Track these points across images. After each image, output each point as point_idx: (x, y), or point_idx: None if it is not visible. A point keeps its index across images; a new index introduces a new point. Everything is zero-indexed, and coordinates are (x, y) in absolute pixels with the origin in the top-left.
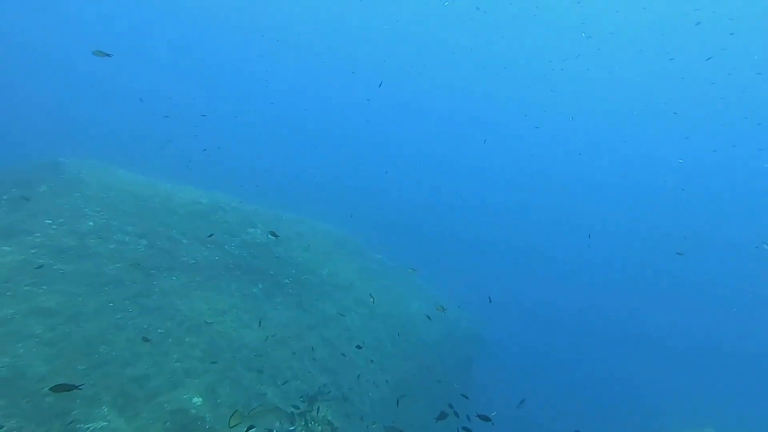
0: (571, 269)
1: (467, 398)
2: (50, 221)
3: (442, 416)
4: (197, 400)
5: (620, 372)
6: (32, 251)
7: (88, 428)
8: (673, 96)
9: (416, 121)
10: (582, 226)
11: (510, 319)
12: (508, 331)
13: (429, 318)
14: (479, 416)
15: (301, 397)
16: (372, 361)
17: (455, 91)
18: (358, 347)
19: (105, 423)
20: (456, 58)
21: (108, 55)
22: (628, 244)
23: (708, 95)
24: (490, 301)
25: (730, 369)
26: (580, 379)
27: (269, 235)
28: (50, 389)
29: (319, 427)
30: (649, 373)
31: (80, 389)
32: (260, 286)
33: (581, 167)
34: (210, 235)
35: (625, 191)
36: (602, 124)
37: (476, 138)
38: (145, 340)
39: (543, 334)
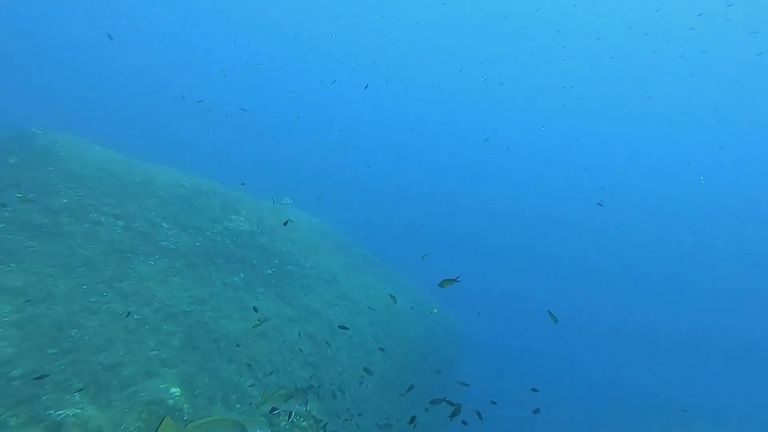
0: (560, 268)
1: (467, 386)
2: (20, 195)
3: (455, 413)
4: (175, 390)
5: (611, 371)
6: (0, 226)
7: (60, 415)
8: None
9: (411, 119)
10: (572, 226)
11: (494, 317)
12: (492, 329)
13: (433, 310)
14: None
15: None
16: (379, 354)
17: (451, 90)
18: (342, 327)
19: (77, 410)
20: (444, 57)
21: None
22: (618, 243)
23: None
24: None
25: (720, 362)
26: (568, 379)
27: (283, 224)
28: None
29: (304, 422)
30: (641, 370)
31: None
32: (242, 275)
33: (571, 167)
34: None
35: (613, 190)
36: (587, 125)
37: (474, 137)
38: (127, 315)
39: (529, 332)
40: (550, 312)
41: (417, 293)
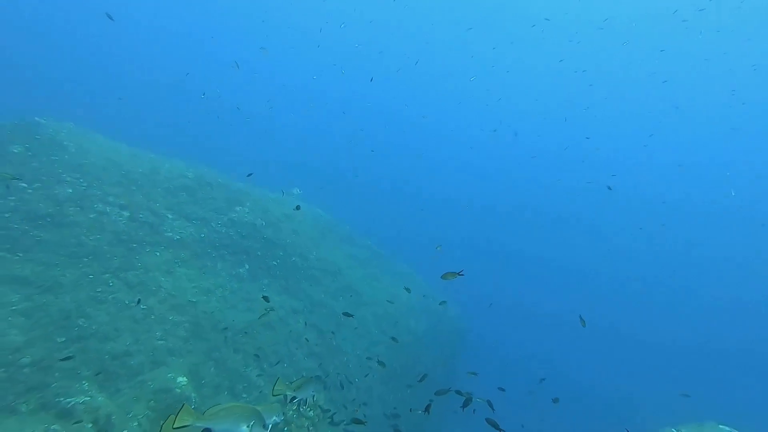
0: (562, 271)
1: (476, 374)
2: (25, 185)
3: (466, 403)
4: (182, 379)
5: (606, 376)
6: (6, 215)
7: (70, 402)
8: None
9: (418, 117)
10: (575, 229)
11: (497, 317)
12: (495, 328)
13: (444, 301)
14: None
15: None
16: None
17: (459, 89)
18: (347, 314)
19: (87, 398)
20: (453, 44)
21: None
22: (621, 241)
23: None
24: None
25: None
26: (569, 377)
27: (295, 207)
28: None
29: (311, 412)
30: (642, 371)
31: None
32: (247, 266)
33: (575, 170)
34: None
35: (617, 195)
36: (590, 126)
37: (481, 136)
38: (138, 302)
39: (531, 334)
40: (580, 316)
41: (422, 286)
